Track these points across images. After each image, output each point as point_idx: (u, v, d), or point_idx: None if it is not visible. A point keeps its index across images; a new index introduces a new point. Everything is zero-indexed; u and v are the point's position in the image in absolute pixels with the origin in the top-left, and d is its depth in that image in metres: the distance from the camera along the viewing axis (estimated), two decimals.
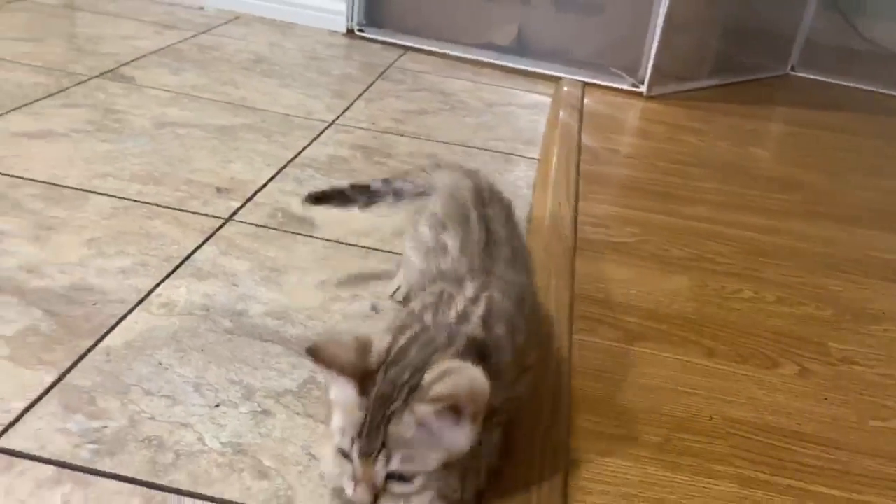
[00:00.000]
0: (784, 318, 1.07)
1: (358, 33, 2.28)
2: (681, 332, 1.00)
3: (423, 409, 0.55)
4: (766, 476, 0.77)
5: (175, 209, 1.15)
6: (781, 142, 2.04)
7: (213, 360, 0.84)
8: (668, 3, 1.99)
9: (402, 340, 0.62)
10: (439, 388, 0.55)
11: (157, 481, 0.68)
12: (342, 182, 1.00)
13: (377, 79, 1.95)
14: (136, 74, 1.71)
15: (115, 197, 1.16)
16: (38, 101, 1.47)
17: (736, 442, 0.81)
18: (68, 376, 0.79)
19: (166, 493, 0.67)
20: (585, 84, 2.11)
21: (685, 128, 1.91)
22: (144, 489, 0.67)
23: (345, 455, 0.59)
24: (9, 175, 1.18)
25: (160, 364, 0.82)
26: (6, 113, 1.40)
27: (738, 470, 0.77)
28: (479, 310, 0.67)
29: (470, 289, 0.70)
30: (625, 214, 1.35)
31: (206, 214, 1.15)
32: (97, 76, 1.66)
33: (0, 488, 0.65)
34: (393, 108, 1.75)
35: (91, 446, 0.71)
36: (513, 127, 1.74)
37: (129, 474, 0.68)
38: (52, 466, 0.68)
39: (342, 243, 1.13)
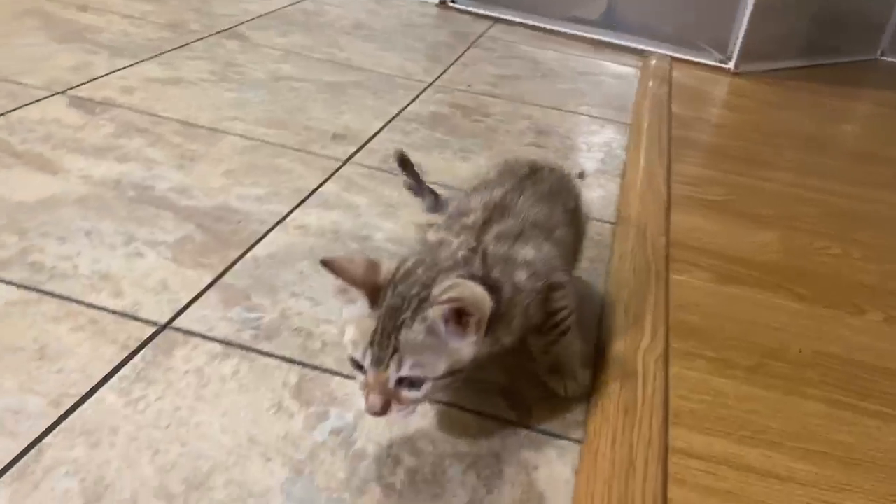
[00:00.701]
0: (870, 273, 1.12)
1: (450, 4, 2.36)
2: (770, 278, 1.06)
3: (433, 314, 0.60)
4: (854, 401, 0.83)
5: (298, 150, 1.26)
6: (868, 121, 2.05)
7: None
8: None
9: (408, 263, 0.66)
10: (447, 295, 0.59)
11: (310, 362, 0.78)
12: (427, 179, 1.06)
13: (470, 46, 2.03)
14: (249, 34, 1.83)
15: (245, 137, 1.27)
16: (165, 52, 1.61)
17: (824, 371, 0.87)
18: (224, 277, 0.90)
19: (318, 372, 0.77)
20: (672, 58, 2.15)
21: (771, 103, 1.93)
22: (300, 367, 0.77)
23: (358, 366, 0.61)
24: (151, 114, 1.31)
25: (301, 273, 0.93)
26: (140, 62, 1.53)
27: (826, 394, 0.84)
28: (481, 249, 0.70)
29: (474, 230, 0.73)
30: (714, 176, 1.41)
31: (325, 156, 1.25)
32: (215, 34, 1.79)
33: (179, 358, 0.76)
34: (487, 73, 1.83)
35: (251, 331, 0.81)
36: (603, 94, 1.80)
37: (286, 354, 0.79)
38: (219, 344, 0.79)
39: (449, 187, 1.22)
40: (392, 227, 1.07)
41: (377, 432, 0.70)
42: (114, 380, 0.72)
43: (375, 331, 0.60)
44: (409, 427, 0.71)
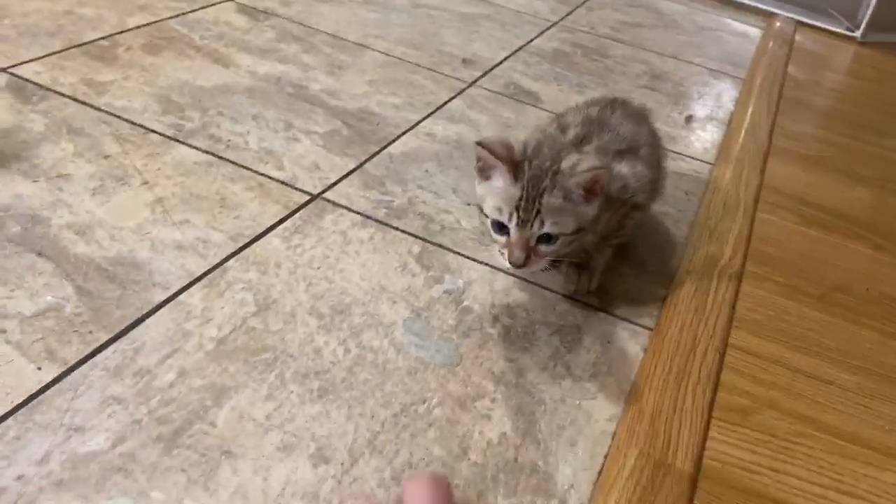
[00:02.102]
0: None
1: None
2: (854, 228, 1.14)
3: (571, 182, 0.72)
4: None
5: (430, 70, 1.40)
6: None
7: (463, 177, 1.08)
8: None
9: (533, 143, 0.78)
10: (583, 167, 0.72)
11: (431, 239, 0.94)
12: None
13: None
14: None
15: (385, 54, 1.42)
16: None
17: (885, 309, 0.96)
18: (364, 166, 1.06)
19: (437, 247, 0.92)
20: (798, 23, 2.15)
21: (894, 74, 1.93)
22: (423, 242, 0.93)
23: (500, 227, 0.73)
24: (305, 25, 1.47)
25: (427, 171, 1.08)
26: None
27: (883, 326, 0.93)
28: (589, 143, 0.84)
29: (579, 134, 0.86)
30: (818, 134, 1.46)
31: (454, 77, 1.39)
32: None
33: (328, 221, 0.93)
34: (611, 19, 1.90)
35: (384, 210, 0.97)
36: (722, 49, 1.85)
37: (411, 231, 0.94)
38: (359, 216, 0.95)
39: None
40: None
41: (482, 297, 0.85)
42: (277, 229, 0.89)
43: (521, 198, 0.72)
44: (508, 296, 0.86)
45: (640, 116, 0.95)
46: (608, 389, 0.76)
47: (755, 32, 2.03)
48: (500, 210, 0.74)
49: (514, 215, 0.72)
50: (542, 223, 0.72)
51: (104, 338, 0.70)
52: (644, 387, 0.76)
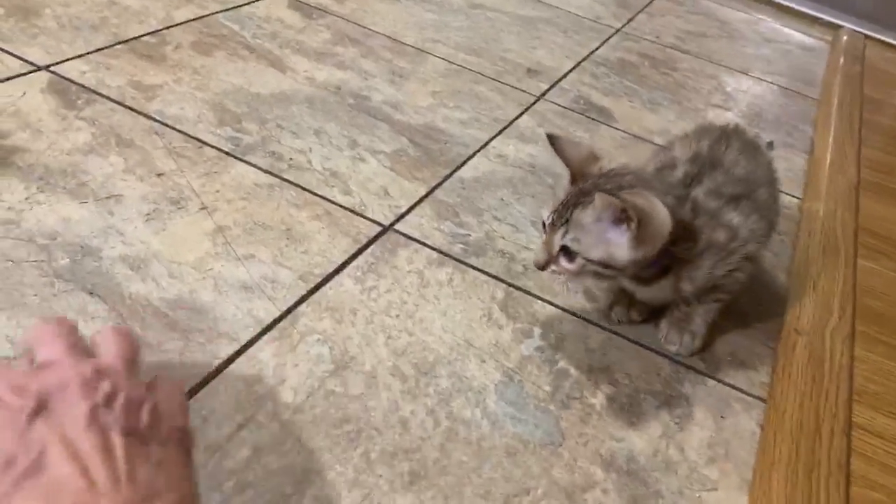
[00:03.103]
0: None
1: None
2: None
3: (600, 203, 0.64)
4: None
5: (495, 80, 1.30)
6: None
7: (543, 207, 0.99)
8: None
9: (622, 169, 0.71)
10: (626, 196, 0.64)
11: (514, 282, 0.85)
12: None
13: None
14: None
15: (447, 61, 1.33)
16: None
17: None
18: (435, 192, 0.97)
19: (522, 293, 0.84)
20: (866, 36, 2.04)
21: None
22: (506, 286, 0.84)
23: (543, 225, 0.71)
24: (360, 25, 1.38)
25: (502, 200, 0.99)
26: None
27: None
28: (692, 197, 0.74)
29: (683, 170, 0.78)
30: None
31: (520, 90, 1.29)
32: None
33: (403, 258, 0.84)
34: (673, 26, 1.80)
35: (461, 245, 0.88)
36: (791, 65, 1.75)
37: (492, 272, 0.85)
38: (435, 252, 0.86)
39: (636, 136, 1.24)
40: (558, 170, 1.10)
41: (577, 356, 0.77)
42: (349, 268, 0.81)
43: (562, 202, 0.68)
44: (606, 356, 0.77)
45: (756, 149, 0.85)
46: (729, 479, 0.67)
47: (822, 45, 1.92)
48: (550, 208, 0.70)
49: (551, 216, 0.69)
50: (566, 234, 0.67)
51: None
52: (770, 476, 0.67)
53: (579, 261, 0.67)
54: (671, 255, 0.70)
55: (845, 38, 1.99)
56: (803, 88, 1.62)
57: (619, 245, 0.66)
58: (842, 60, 1.80)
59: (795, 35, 1.97)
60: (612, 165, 0.72)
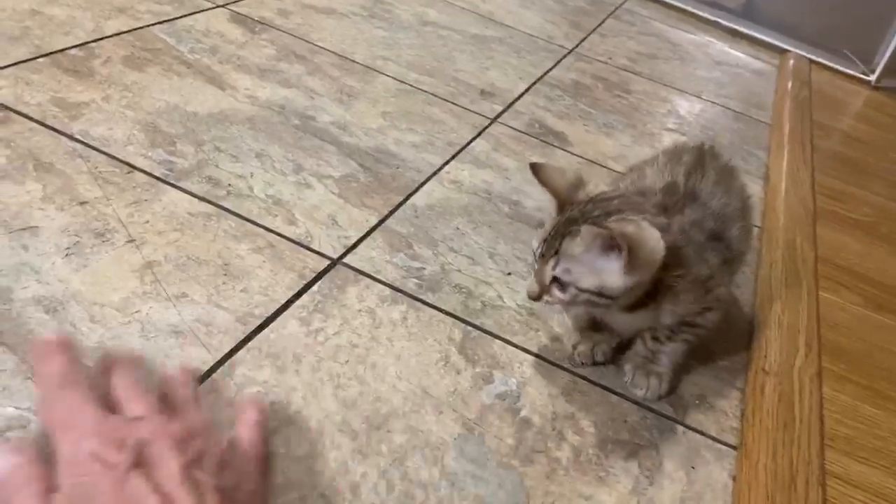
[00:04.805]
0: None
1: None
2: None
3: (589, 233, 0.62)
4: None
5: (448, 101, 1.25)
6: None
7: (500, 236, 0.94)
8: None
9: (609, 193, 0.69)
10: (613, 224, 0.62)
11: (472, 321, 0.79)
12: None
13: (608, 16, 1.98)
14: None
15: (398, 80, 1.27)
16: None
17: None
18: (388, 221, 0.91)
19: (480, 332, 0.78)
20: (811, 61, 2.07)
21: None
22: (463, 324, 0.78)
23: (535, 256, 0.69)
24: (306, 41, 1.31)
25: (458, 229, 0.93)
26: None
27: None
28: (678, 224, 0.70)
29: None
30: (857, 194, 1.36)
31: (474, 112, 1.25)
32: None
33: (353, 295, 0.78)
34: (626, 48, 1.78)
35: (414, 281, 0.83)
36: (742, 88, 1.75)
37: (449, 309, 0.80)
38: (388, 288, 0.80)
39: (592, 161, 1.21)
40: (541, 197, 1.06)
41: (541, 403, 0.71)
42: (293, 307, 0.74)
43: (550, 233, 0.66)
44: (571, 402, 0.72)
45: (730, 176, 0.82)
46: None
47: (771, 70, 1.93)
48: (539, 239, 0.68)
49: (540, 248, 0.67)
50: (556, 265, 0.65)
51: None
52: None
53: (571, 290, 0.65)
54: (661, 281, 0.66)
55: (792, 62, 2.01)
56: (755, 112, 1.61)
57: (611, 273, 0.63)
58: (790, 85, 1.81)
59: (744, 58, 1.98)
60: (598, 189, 0.69)
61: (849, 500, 0.70)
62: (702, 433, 0.73)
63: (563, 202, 0.69)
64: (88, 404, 0.44)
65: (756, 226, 1.14)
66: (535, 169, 0.70)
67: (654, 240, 0.63)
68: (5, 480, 0.42)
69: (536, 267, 0.68)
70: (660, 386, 0.75)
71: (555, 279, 0.66)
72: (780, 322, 0.90)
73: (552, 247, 0.66)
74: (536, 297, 0.67)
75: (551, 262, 0.66)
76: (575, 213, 0.67)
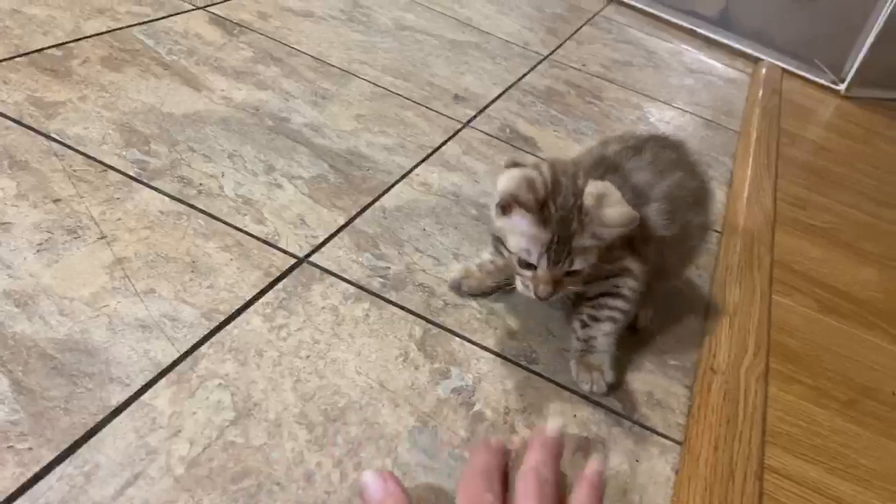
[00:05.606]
0: None
1: None
2: (867, 316, 1.07)
3: (599, 230, 0.69)
4: None
5: (421, 105, 1.28)
6: None
7: (465, 238, 0.97)
8: (892, 8, 1.96)
9: (549, 174, 0.72)
10: (609, 214, 0.69)
11: (433, 319, 0.82)
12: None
13: (585, 24, 2.02)
14: None
15: (373, 83, 1.30)
16: None
17: None
18: (355, 221, 0.94)
19: (440, 330, 0.81)
20: (783, 70, 2.11)
21: (881, 135, 1.90)
22: (424, 322, 0.81)
23: (527, 266, 0.72)
24: (284, 44, 1.34)
25: (424, 230, 0.96)
26: None
27: None
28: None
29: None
30: (820, 202, 1.40)
31: (447, 116, 1.28)
32: None
33: (317, 293, 0.81)
34: (601, 55, 1.82)
35: (379, 280, 0.85)
36: (713, 96, 1.79)
37: (411, 308, 0.83)
38: (352, 287, 0.83)
39: None
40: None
41: (494, 398, 0.75)
42: (258, 304, 0.77)
43: (551, 241, 0.70)
44: (523, 398, 0.75)
45: (678, 166, 0.84)
46: None
47: (743, 78, 1.97)
48: (528, 251, 0.71)
49: (545, 257, 0.70)
50: (573, 262, 0.70)
51: (48, 457, 0.57)
52: None
53: (584, 272, 0.72)
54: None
55: (764, 70, 2.05)
56: (725, 120, 1.65)
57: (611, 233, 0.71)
58: (760, 93, 1.85)
59: (718, 66, 2.02)
60: (535, 176, 0.72)
61: (784, 493, 0.74)
62: (648, 428, 0.77)
63: (540, 212, 0.70)
64: (488, 493, 0.53)
65: (717, 231, 1.18)
66: (512, 197, 0.70)
67: (627, 208, 0.71)
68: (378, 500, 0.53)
69: (541, 274, 0.71)
70: (602, 377, 0.78)
71: (568, 272, 0.71)
72: (731, 323, 0.94)
73: (561, 252, 0.70)
74: (550, 297, 0.71)
75: (566, 263, 0.70)
76: (562, 214, 0.70)
